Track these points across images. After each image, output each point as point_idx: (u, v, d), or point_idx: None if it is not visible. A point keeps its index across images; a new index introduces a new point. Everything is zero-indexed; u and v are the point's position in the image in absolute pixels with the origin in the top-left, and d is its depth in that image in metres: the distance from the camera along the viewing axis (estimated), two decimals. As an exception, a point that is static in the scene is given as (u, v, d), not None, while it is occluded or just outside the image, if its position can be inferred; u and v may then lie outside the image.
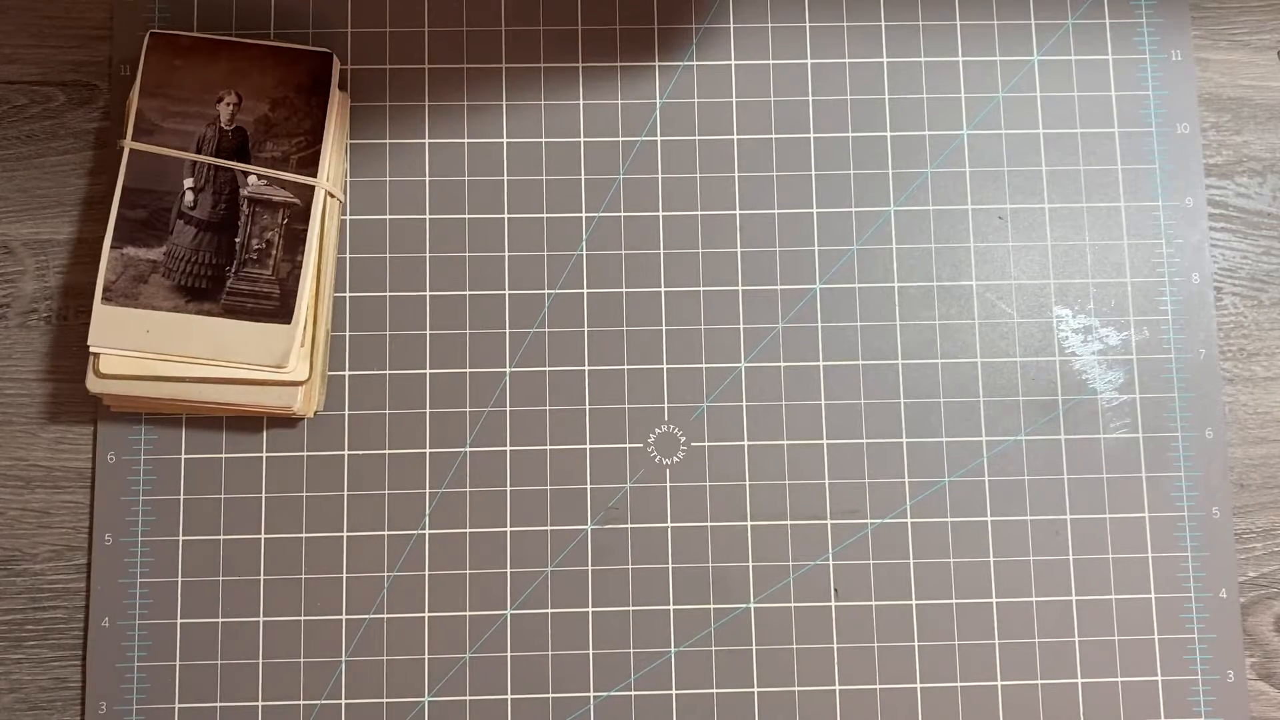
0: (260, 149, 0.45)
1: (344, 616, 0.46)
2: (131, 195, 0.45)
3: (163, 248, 0.45)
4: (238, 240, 0.45)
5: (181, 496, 0.47)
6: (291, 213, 0.45)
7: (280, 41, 0.48)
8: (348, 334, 0.48)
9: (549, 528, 0.47)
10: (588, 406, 0.48)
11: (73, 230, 0.49)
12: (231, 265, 0.45)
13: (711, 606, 0.47)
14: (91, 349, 0.44)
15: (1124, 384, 0.48)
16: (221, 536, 0.47)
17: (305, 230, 0.45)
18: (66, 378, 0.48)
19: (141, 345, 0.44)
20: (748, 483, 0.47)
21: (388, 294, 0.48)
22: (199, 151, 0.45)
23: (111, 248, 0.45)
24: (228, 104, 0.45)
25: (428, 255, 0.49)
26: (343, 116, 0.48)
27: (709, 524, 0.47)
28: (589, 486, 0.47)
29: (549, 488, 0.47)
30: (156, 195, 0.45)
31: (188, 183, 0.45)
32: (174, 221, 0.45)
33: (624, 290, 0.49)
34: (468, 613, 0.46)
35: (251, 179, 0.45)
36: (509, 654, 0.46)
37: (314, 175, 0.45)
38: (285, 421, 0.47)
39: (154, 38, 0.46)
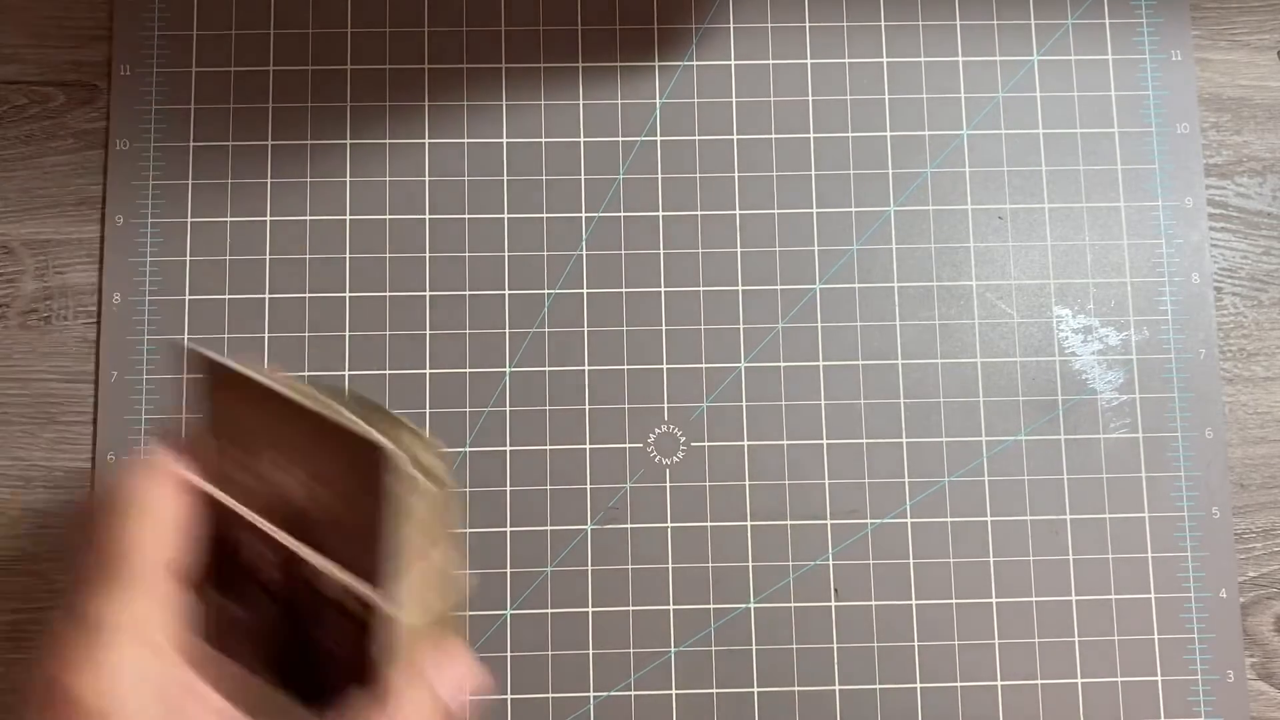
0: (327, 534, 0.32)
1: (344, 616, 0.46)
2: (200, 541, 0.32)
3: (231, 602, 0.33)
4: (310, 628, 0.33)
5: (181, 496, 0.47)
6: (362, 607, 0.31)
7: (335, 414, 0.32)
8: (348, 334, 0.48)
9: (549, 528, 0.47)
10: (588, 406, 0.48)
11: (73, 230, 0.49)
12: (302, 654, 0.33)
13: (711, 606, 0.47)
14: None
15: (1124, 384, 0.48)
16: (221, 536, 0.47)
17: (372, 626, 0.31)
18: (66, 378, 0.48)
19: None
20: (748, 483, 0.47)
21: (388, 294, 0.48)
22: (263, 518, 0.33)
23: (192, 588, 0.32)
24: (290, 476, 0.33)
25: (428, 255, 0.49)
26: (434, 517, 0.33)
27: (709, 524, 0.47)
28: (589, 486, 0.47)
29: (549, 488, 0.47)
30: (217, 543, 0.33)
31: (251, 547, 0.33)
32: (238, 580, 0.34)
33: (624, 290, 0.49)
34: (467, 613, 0.46)
35: (320, 563, 0.32)
36: (509, 654, 0.46)
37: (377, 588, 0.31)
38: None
39: (221, 375, 0.33)
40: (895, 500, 0.48)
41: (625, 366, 0.48)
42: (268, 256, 0.48)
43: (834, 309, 0.49)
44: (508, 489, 0.47)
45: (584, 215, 0.49)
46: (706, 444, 0.48)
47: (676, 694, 0.46)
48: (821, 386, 0.48)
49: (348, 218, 0.49)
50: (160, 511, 0.31)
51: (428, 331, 0.48)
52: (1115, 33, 0.51)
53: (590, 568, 0.47)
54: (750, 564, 0.47)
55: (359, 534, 0.31)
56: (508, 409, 0.48)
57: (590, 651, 0.46)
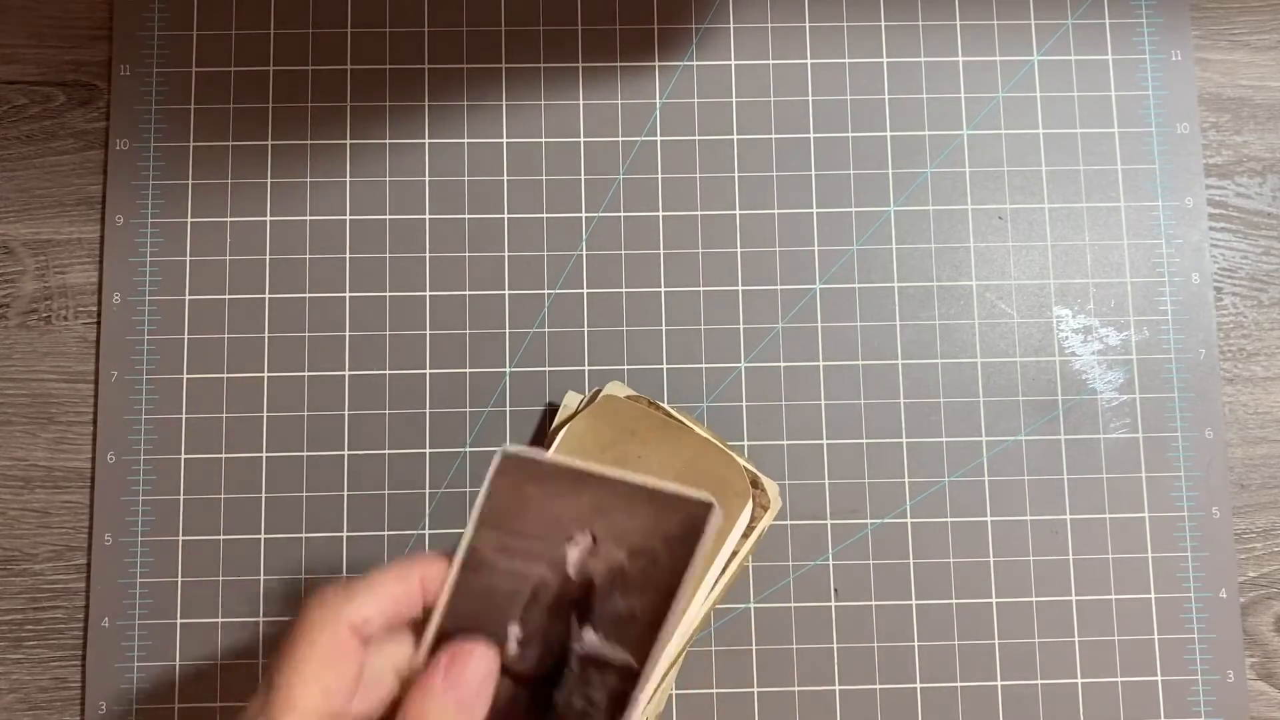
0: (606, 602, 0.36)
1: (344, 616, 0.46)
2: (448, 636, 0.35)
3: None
4: (558, 698, 0.36)
5: (181, 496, 0.47)
6: (622, 675, 0.35)
7: (655, 480, 0.34)
8: (347, 334, 0.48)
9: (549, 528, 0.47)
10: (588, 406, 0.48)
11: (73, 230, 0.49)
12: None
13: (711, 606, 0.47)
14: None
15: (1124, 384, 0.48)
16: (221, 536, 0.47)
17: (633, 692, 0.35)
18: (66, 378, 0.48)
19: None
20: (748, 483, 0.47)
21: (388, 294, 0.48)
22: (535, 600, 0.36)
23: None
24: (579, 547, 0.36)
25: (427, 255, 0.49)
26: (706, 561, 0.39)
27: (709, 524, 0.47)
28: (589, 486, 0.47)
29: (549, 488, 0.47)
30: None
31: (514, 632, 0.36)
32: None
33: (624, 290, 0.49)
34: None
35: (588, 635, 0.36)
36: (509, 654, 0.46)
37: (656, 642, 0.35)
38: (286, 421, 0.47)
39: (506, 460, 0.36)
40: (895, 500, 0.48)
41: (625, 366, 0.48)
42: (268, 256, 0.48)
43: (834, 309, 0.49)
44: (508, 489, 0.47)
45: (584, 215, 0.49)
46: (706, 444, 0.48)
47: (676, 694, 0.46)
48: (821, 386, 0.48)
49: (348, 218, 0.49)
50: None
51: (428, 331, 0.48)
52: (1115, 33, 0.51)
53: (590, 568, 0.47)
54: (750, 564, 0.47)
55: (646, 588, 0.34)
56: (508, 409, 0.48)
57: (590, 651, 0.46)
